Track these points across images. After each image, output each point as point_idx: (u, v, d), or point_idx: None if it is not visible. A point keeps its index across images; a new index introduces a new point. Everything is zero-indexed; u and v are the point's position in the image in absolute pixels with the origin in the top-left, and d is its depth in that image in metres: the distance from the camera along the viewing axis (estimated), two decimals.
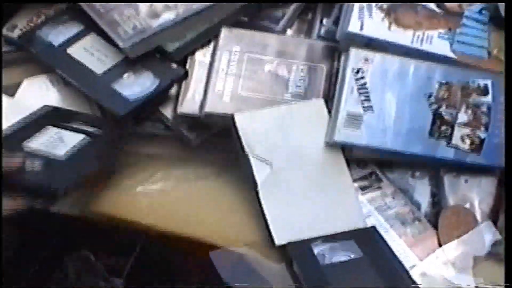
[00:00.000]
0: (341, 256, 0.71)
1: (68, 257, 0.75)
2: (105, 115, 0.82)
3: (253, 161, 0.76)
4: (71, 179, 0.70)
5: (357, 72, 0.79)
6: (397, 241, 0.77)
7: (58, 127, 0.76)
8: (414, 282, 0.69)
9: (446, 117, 0.79)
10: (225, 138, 0.81)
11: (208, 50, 0.84)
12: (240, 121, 0.77)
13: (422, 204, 0.82)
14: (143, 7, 0.80)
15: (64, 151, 0.72)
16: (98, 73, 0.79)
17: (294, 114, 0.79)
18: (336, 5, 0.87)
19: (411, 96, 0.79)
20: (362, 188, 0.80)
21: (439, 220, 0.79)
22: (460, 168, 0.81)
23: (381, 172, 0.82)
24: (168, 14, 0.79)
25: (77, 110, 0.82)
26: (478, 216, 0.80)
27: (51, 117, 0.79)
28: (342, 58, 0.81)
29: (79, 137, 0.75)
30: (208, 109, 0.79)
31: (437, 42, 0.81)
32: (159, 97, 0.81)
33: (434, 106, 0.79)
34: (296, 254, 0.72)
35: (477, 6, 0.83)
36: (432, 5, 0.82)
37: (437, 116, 0.79)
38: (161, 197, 0.80)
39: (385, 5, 0.81)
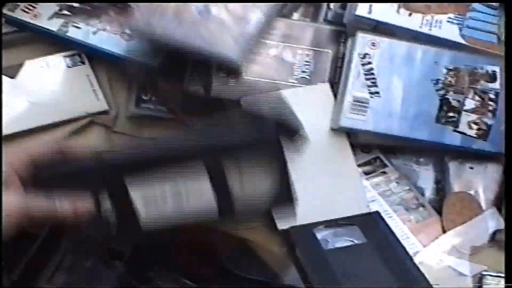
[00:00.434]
0: (344, 241, 0.71)
1: (67, 240, 0.74)
2: None
3: None
4: None
5: (364, 56, 0.78)
6: (400, 227, 0.77)
7: None
8: (417, 269, 0.68)
9: (453, 103, 0.78)
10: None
11: None
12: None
13: (426, 190, 0.81)
14: (224, 16, 0.77)
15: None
16: None
17: (299, 98, 0.77)
18: None
19: (418, 81, 0.78)
20: (367, 173, 0.80)
21: (443, 206, 0.79)
22: (465, 154, 0.80)
23: (385, 158, 0.81)
24: (255, 15, 0.77)
25: None
26: (483, 203, 0.79)
27: None
28: (349, 42, 0.80)
29: None
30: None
31: (446, 26, 0.80)
32: None
33: (441, 92, 0.78)
34: (298, 239, 0.71)
35: None
36: None
37: (444, 101, 0.78)
38: None
39: None
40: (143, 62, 0.80)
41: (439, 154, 0.82)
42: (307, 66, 0.81)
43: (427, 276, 0.68)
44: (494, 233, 0.77)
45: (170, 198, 0.58)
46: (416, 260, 0.73)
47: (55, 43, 0.82)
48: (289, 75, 0.80)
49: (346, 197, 0.76)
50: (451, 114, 0.78)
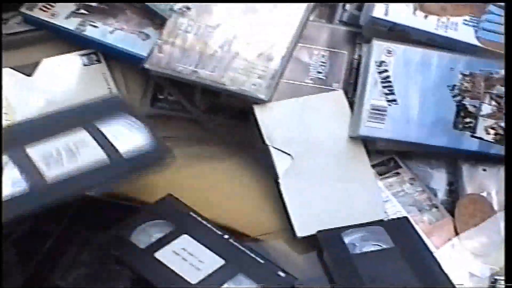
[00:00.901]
0: (371, 246, 0.71)
1: (79, 236, 0.75)
2: None
3: (273, 152, 0.75)
4: None
5: (380, 64, 0.78)
6: None
7: None
8: (445, 275, 0.68)
9: (470, 108, 0.78)
10: (243, 121, 0.80)
11: None
12: (260, 113, 0.77)
13: (438, 192, 0.81)
14: (246, 53, 0.78)
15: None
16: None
17: (313, 105, 0.78)
18: None
19: (435, 87, 0.78)
20: (380, 174, 0.80)
21: (456, 208, 0.79)
22: (478, 156, 0.80)
23: (399, 159, 0.82)
24: (278, 53, 0.78)
25: None
26: (495, 205, 0.79)
27: None
28: (364, 49, 0.80)
29: None
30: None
31: (462, 29, 0.80)
32: None
33: (458, 98, 0.78)
34: (326, 243, 0.71)
35: None
36: None
37: (461, 107, 0.78)
38: (173, 174, 0.80)
39: None
40: None
41: (452, 156, 0.82)
42: (322, 67, 0.81)
43: None
44: None
45: (64, 153, 0.67)
46: None
47: (72, 42, 0.82)
48: (305, 75, 0.81)
49: (363, 203, 0.76)
50: (468, 119, 0.78)
